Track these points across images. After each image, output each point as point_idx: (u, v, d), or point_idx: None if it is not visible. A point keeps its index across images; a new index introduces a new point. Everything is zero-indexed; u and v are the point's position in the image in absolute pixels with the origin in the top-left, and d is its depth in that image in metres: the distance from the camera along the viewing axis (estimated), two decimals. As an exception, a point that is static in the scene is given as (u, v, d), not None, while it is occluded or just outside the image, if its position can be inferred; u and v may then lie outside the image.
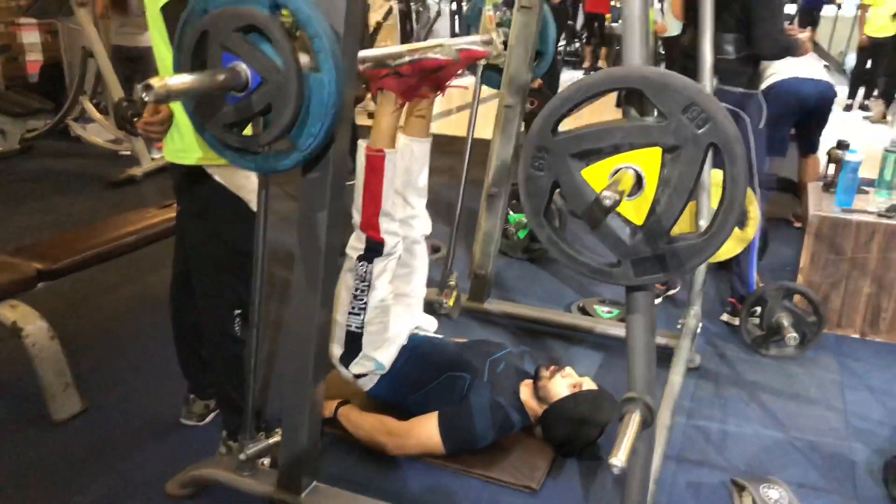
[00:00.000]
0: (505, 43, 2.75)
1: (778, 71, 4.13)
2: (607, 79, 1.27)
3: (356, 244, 2.19)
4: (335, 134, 1.50)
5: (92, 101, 5.65)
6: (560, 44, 10.19)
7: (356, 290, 2.20)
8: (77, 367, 2.52)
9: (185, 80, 1.31)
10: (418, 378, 2.33)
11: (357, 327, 2.23)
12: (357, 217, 2.18)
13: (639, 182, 1.28)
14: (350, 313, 2.22)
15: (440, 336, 2.54)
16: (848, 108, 8.65)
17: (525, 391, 2.31)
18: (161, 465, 2.19)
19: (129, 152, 5.45)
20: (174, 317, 2.31)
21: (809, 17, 9.87)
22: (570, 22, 10.22)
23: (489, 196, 3.02)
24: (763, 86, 4.17)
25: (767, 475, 2.18)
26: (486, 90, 3.00)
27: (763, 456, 2.33)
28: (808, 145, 4.38)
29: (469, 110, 2.86)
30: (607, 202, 1.16)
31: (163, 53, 1.88)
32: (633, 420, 1.39)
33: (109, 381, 2.64)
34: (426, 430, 2.20)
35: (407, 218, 2.40)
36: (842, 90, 6.09)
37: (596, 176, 1.31)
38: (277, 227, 4.08)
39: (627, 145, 1.28)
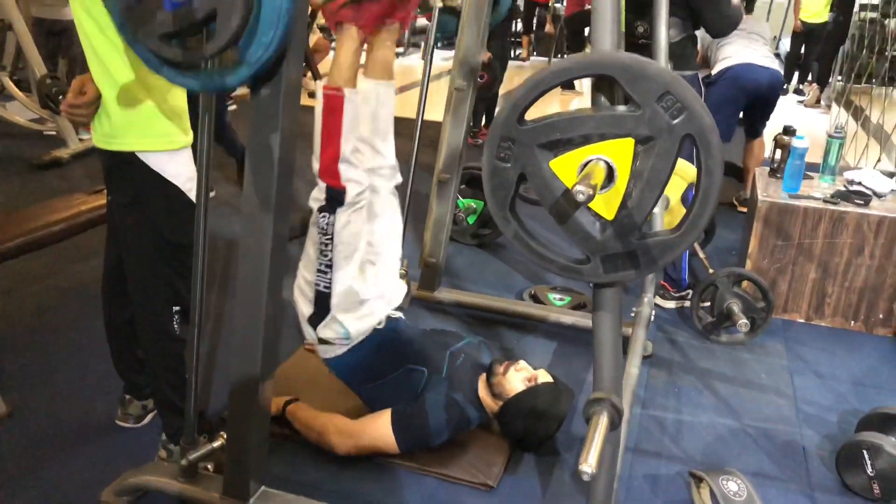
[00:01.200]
0: None
1: (731, 55, 4.16)
2: (579, 64, 1.20)
3: (317, 195, 2.03)
4: (288, 46, 1.36)
5: (12, 78, 5.30)
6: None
7: (320, 244, 2.04)
8: (0, 366, 2.34)
9: None
10: (377, 367, 2.22)
11: (325, 287, 2.08)
12: (316, 165, 2.02)
13: (610, 175, 1.21)
14: (318, 271, 2.07)
15: (403, 321, 2.41)
16: (783, 92, 8.84)
17: (481, 386, 2.23)
18: (95, 471, 2.04)
19: (54, 132, 5.14)
20: (106, 313, 2.15)
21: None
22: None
23: (440, 182, 2.93)
24: (716, 69, 4.21)
25: (723, 465, 2.17)
26: (435, 67, 2.88)
27: (718, 446, 2.32)
28: (755, 130, 4.44)
29: (418, 88, 2.75)
30: (580, 197, 1.09)
31: (87, 27, 1.71)
32: (601, 422, 1.33)
33: (36, 381, 2.46)
34: (379, 429, 2.11)
35: (377, 168, 2.19)
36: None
37: (565, 168, 1.24)
38: (219, 213, 3.91)
39: (598, 136, 1.21)
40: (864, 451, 2.08)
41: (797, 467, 2.23)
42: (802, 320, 3.19)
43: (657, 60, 2.50)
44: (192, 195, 1.82)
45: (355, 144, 2.03)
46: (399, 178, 2.29)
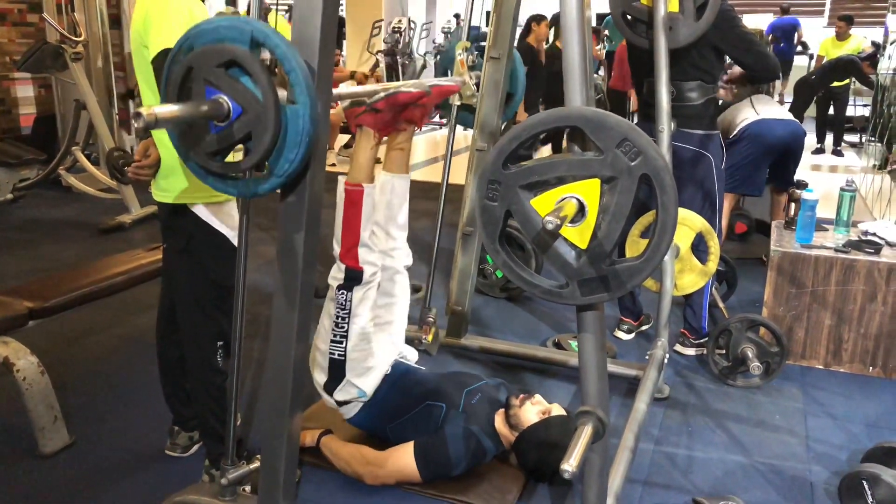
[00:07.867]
0: (477, 85, 2.92)
1: (747, 117, 4.34)
2: (551, 118, 1.42)
3: (336, 274, 2.29)
4: (310, 161, 1.61)
5: (84, 152, 5.79)
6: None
7: (337, 317, 2.29)
8: (65, 403, 2.61)
9: (171, 109, 1.43)
10: (398, 407, 2.42)
11: (339, 355, 2.31)
12: (337, 248, 2.28)
13: (581, 210, 1.42)
14: (332, 341, 2.30)
15: (420, 367, 2.64)
16: (819, 151, 9.03)
17: (498, 419, 2.40)
18: (146, 494, 2.26)
19: (118, 196, 5.57)
20: (160, 350, 2.41)
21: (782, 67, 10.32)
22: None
23: (464, 235, 3.16)
24: (735, 131, 4.37)
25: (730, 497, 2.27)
26: (458, 142, 3.17)
27: (727, 479, 2.42)
28: (783, 183, 4.55)
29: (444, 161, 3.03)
30: (549, 226, 1.29)
31: (148, 99, 2.02)
32: (586, 431, 1.51)
33: (97, 415, 2.72)
34: (402, 459, 2.29)
35: (389, 250, 2.48)
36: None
37: (544, 205, 1.44)
38: (263, 270, 4.22)
39: (571, 177, 1.42)
40: (864, 482, 2.17)
41: (802, 499, 2.32)
42: (821, 367, 3.27)
43: (659, 120, 2.71)
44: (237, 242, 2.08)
45: (372, 229, 2.32)
46: (409, 260, 2.57)
